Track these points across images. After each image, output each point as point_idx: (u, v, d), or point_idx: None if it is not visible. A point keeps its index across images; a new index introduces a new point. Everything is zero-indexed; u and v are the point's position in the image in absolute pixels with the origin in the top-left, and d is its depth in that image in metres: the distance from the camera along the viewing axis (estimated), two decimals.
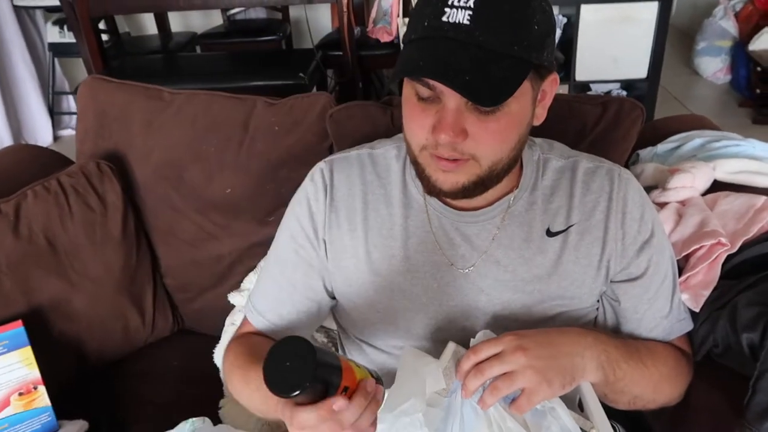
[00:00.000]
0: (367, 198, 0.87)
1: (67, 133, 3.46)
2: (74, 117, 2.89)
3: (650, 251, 0.83)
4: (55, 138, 3.44)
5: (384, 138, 0.95)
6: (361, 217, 0.87)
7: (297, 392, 0.55)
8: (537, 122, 0.78)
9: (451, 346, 0.77)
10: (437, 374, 0.71)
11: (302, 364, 0.56)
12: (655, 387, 0.83)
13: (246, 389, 0.85)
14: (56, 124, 3.47)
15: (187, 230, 1.27)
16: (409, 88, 0.74)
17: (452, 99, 0.69)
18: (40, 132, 3.37)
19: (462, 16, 0.65)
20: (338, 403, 0.59)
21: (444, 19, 0.66)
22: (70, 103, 3.52)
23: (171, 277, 1.32)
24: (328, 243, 0.87)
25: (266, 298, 0.91)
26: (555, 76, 0.76)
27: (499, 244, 0.84)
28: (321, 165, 0.90)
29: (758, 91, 3.49)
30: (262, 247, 1.24)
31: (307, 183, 0.90)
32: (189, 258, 1.29)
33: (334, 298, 0.92)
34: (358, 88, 2.72)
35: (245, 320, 0.94)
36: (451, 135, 0.69)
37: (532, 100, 0.74)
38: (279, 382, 0.56)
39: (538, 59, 0.69)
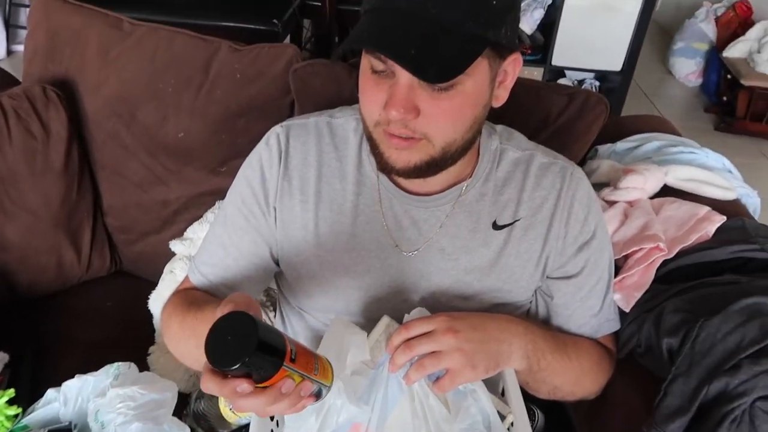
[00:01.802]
0: (322, 170, 0.85)
1: (21, 48, 3.28)
2: None
3: (588, 252, 0.85)
4: (9, 52, 3.26)
5: (346, 105, 0.92)
6: (313, 189, 0.85)
7: (234, 367, 0.55)
8: (497, 104, 0.77)
9: (385, 320, 0.78)
10: (362, 345, 0.72)
11: (244, 341, 0.55)
12: (576, 380, 0.86)
13: (182, 335, 0.83)
14: (11, 38, 3.28)
15: (134, 171, 1.24)
16: (365, 61, 0.71)
17: (404, 74, 0.67)
18: None
19: None
20: (242, 386, 0.56)
21: None
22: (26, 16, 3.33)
23: (112, 216, 1.28)
24: (278, 211, 0.86)
25: (211, 260, 0.89)
26: (517, 56, 0.74)
27: (445, 232, 0.84)
28: (277, 129, 0.87)
29: (725, 98, 3.56)
30: (211, 196, 1.22)
31: (261, 147, 0.87)
32: (134, 199, 1.25)
33: (278, 265, 0.91)
34: (333, 43, 2.65)
35: (187, 278, 0.92)
36: (402, 111, 0.67)
37: (490, 80, 0.72)
38: (218, 353, 0.56)
39: (495, 36, 0.67)
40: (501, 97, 0.77)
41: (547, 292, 0.88)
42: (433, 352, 0.72)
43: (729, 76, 3.48)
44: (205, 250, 0.90)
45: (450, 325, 0.73)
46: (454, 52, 0.65)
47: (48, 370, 1.07)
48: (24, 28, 3.28)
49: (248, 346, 0.54)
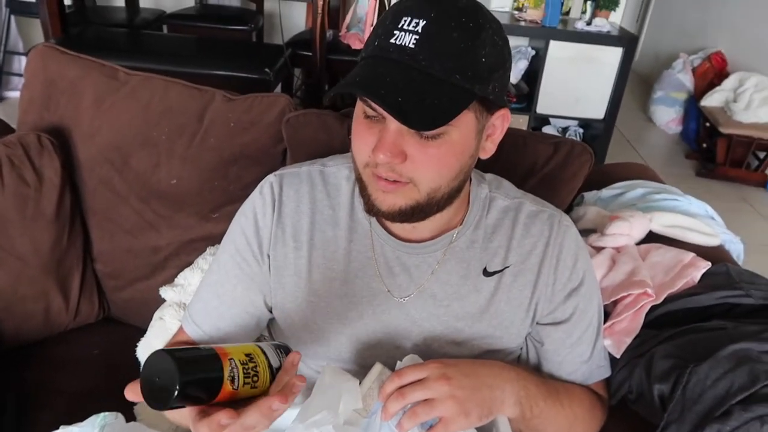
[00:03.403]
0: (315, 217, 0.86)
1: (15, 95, 3.32)
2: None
3: (577, 299, 0.86)
4: (1, 98, 3.29)
5: (338, 153, 0.94)
6: (307, 236, 0.86)
7: (168, 406, 0.58)
8: (484, 156, 0.79)
9: (377, 367, 0.78)
10: (354, 392, 0.72)
11: (168, 379, 0.57)
12: (570, 427, 0.85)
13: None
14: (4, 84, 3.32)
15: (126, 217, 1.24)
16: (359, 106, 0.74)
17: (393, 120, 0.69)
18: None
19: (408, 40, 0.66)
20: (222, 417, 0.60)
21: (391, 40, 0.67)
22: (21, 64, 3.38)
23: (102, 263, 1.27)
24: (272, 258, 0.86)
25: (205, 309, 0.88)
26: (505, 112, 0.77)
27: (437, 278, 0.85)
28: (271, 178, 0.89)
29: (704, 145, 3.66)
30: (202, 242, 1.22)
31: (255, 196, 0.89)
32: (124, 245, 1.25)
33: (272, 312, 0.91)
34: (323, 91, 2.71)
35: (181, 329, 0.92)
36: (389, 156, 0.69)
37: (477, 132, 0.74)
38: (151, 396, 0.59)
39: (482, 91, 0.70)
40: (488, 149, 0.79)
41: (537, 338, 0.89)
42: (426, 400, 0.72)
43: (707, 124, 3.58)
44: (199, 299, 0.90)
45: (442, 372, 0.74)
46: (441, 103, 0.67)
47: (32, 422, 1.04)
48: (17, 75, 3.34)
49: (174, 378, 0.57)
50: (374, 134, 0.71)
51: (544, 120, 3.49)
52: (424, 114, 0.66)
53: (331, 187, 0.88)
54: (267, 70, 2.19)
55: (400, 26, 0.67)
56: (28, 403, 1.08)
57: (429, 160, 0.71)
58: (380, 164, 0.71)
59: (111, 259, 1.27)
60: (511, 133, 1.20)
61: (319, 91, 2.61)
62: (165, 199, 1.22)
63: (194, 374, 0.59)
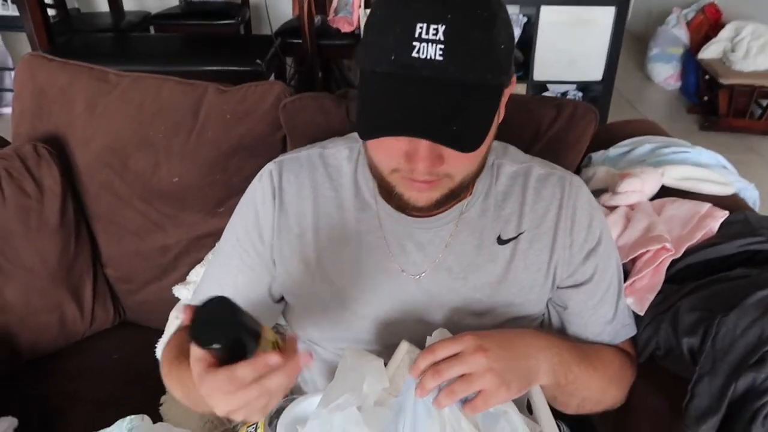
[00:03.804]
0: (318, 201, 0.85)
1: (8, 111, 3.30)
2: None
3: (596, 259, 0.84)
4: None
5: (337, 135, 0.92)
6: (311, 221, 0.84)
7: (216, 345, 0.56)
8: (500, 119, 0.77)
9: (404, 346, 0.75)
10: (380, 371, 0.70)
11: (225, 321, 0.57)
12: (603, 390, 0.84)
13: (172, 384, 0.81)
14: None
15: (131, 219, 1.22)
16: None
17: None
18: None
19: (433, 52, 0.62)
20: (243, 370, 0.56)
21: (414, 54, 0.62)
22: (12, 80, 3.36)
23: (112, 267, 1.26)
24: (276, 248, 0.85)
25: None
26: (513, 78, 0.75)
27: (451, 251, 0.83)
28: (270, 166, 0.87)
29: (705, 98, 3.61)
30: (210, 238, 1.21)
31: (255, 185, 0.87)
32: (132, 248, 1.24)
33: (279, 301, 0.90)
34: (317, 78, 2.68)
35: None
36: (429, 166, 0.67)
37: (499, 112, 0.73)
38: (201, 334, 0.56)
39: (507, 78, 0.69)
40: (502, 115, 0.77)
41: (560, 303, 0.87)
42: (463, 375, 0.69)
43: (707, 77, 3.53)
44: (202, 290, 0.89)
45: (478, 344, 0.70)
46: (481, 112, 0.65)
47: None
48: (9, 90, 3.32)
49: (231, 320, 0.56)
50: (402, 142, 0.68)
51: (542, 87, 3.45)
52: (473, 132, 0.64)
53: (332, 169, 0.86)
54: (258, 61, 2.16)
55: (418, 35, 0.62)
56: (52, 415, 1.08)
57: (467, 158, 0.69)
58: (417, 171, 0.69)
59: (121, 263, 1.26)
60: (512, 99, 1.18)
61: (312, 77, 2.58)
62: (168, 198, 1.21)
63: (243, 332, 0.57)
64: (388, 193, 0.76)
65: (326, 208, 0.84)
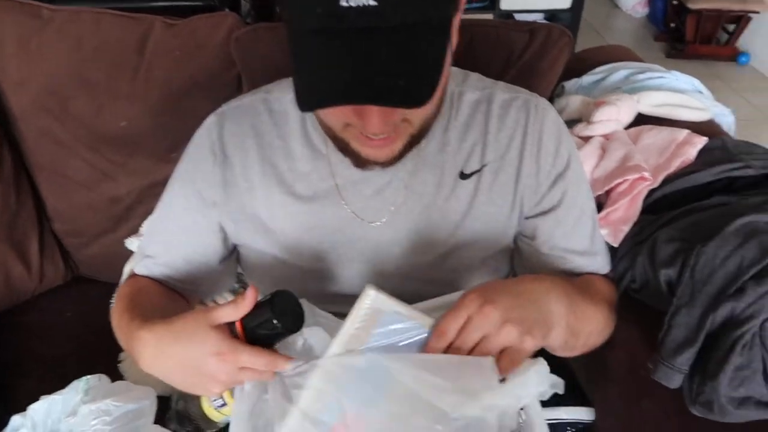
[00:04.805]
0: (264, 152, 0.78)
1: None
2: None
3: (564, 183, 0.79)
4: None
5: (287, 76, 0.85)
6: (258, 173, 0.78)
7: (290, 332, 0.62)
8: (453, 49, 0.70)
9: (370, 293, 0.64)
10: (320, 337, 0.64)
11: (298, 312, 0.63)
12: (606, 321, 0.78)
13: (120, 331, 0.79)
14: None
15: (76, 169, 1.14)
16: None
17: None
18: None
19: None
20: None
21: (343, 3, 0.53)
22: None
23: (60, 221, 1.19)
24: (222, 204, 0.79)
25: (164, 245, 0.83)
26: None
27: (411, 192, 0.78)
28: (210, 119, 0.81)
29: (673, 24, 3.57)
30: (164, 186, 1.13)
31: (196, 139, 0.81)
32: (81, 200, 1.16)
33: (226, 260, 0.86)
34: (275, 14, 2.53)
35: (132, 279, 0.86)
36: (381, 125, 0.61)
37: (451, 41, 0.65)
38: (284, 317, 0.61)
39: (454, 7, 0.60)
40: (455, 43, 0.69)
41: (527, 234, 0.82)
42: (481, 340, 0.59)
43: (675, 2, 3.48)
44: (148, 248, 0.85)
45: (483, 300, 0.60)
46: (430, 55, 0.57)
47: (12, 393, 1.00)
48: None
49: (301, 313, 0.63)
50: None
51: (509, 17, 3.35)
52: (425, 80, 0.56)
53: (277, 115, 0.79)
54: None
55: None
56: (5, 374, 1.03)
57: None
58: (370, 130, 0.63)
59: (69, 216, 1.19)
60: (482, 25, 1.11)
61: (270, 10, 2.43)
62: (116, 144, 1.13)
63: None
64: (343, 149, 0.70)
65: (273, 158, 0.78)
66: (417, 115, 0.66)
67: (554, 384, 0.62)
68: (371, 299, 0.62)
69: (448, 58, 0.64)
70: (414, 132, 0.68)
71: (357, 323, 0.61)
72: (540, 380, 0.60)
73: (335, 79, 0.56)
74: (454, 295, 0.65)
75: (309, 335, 0.65)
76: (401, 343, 0.61)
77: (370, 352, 0.61)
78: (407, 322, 0.62)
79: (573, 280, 0.79)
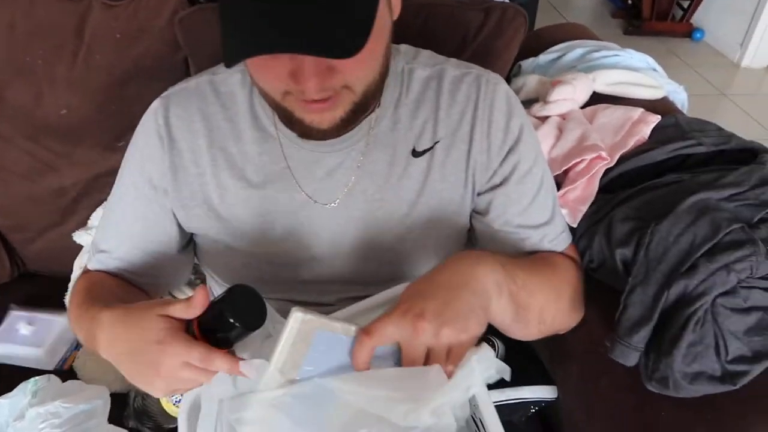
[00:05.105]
0: (212, 135, 0.76)
1: None
2: None
3: (515, 156, 0.77)
4: None
5: None
6: (207, 158, 0.76)
7: (249, 331, 0.58)
8: (395, 15, 0.68)
9: (298, 316, 0.59)
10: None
11: (257, 308, 0.59)
12: (558, 293, 0.76)
13: (78, 325, 0.76)
14: None
15: (16, 160, 1.09)
16: None
17: None
18: None
19: None
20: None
21: None
22: None
23: (2, 216, 1.14)
24: (173, 191, 0.77)
25: (116, 236, 0.81)
26: None
27: (364, 172, 0.76)
28: (156, 103, 0.78)
29: (630, 1, 3.60)
30: (111, 177, 1.06)
31: (141, 125, 0.79)
32: (23, 193, 1.11)
33: (184, 249, 0.84)
34: None
35: (85, 274, 0.83)
36: (318, 82, 0.59)
37: (387, 2, 0.64)
38: (242, 315, 0.57)
39: None
40: (396, 6, 0.68)
41: (481, 210, 0.80)
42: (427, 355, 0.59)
43: None
44: (101, 240, 0.82)
45: (411, 316, 0.58)
46: (361, 6, 0.56)
47: None
48: None
49: (261, 311, 0.58)
50: (284, 61, 0.60)
51: None
52: (354, 30, 0.55)
53: (224, 97, 0.77)
54: None
55: None
56: None
57: (358, 63, 0.60)
58: (307, 91, 0.60)
59: (11, 210, 1.14)
60: (437, 4, 1.09)
61: None
62: (57, 133, 1.08)
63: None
64: (287, 119, 0.68)
65: (222, 141, 0.76)
66: (357, 80, 0.64)
67: (500, 370, 0.61)
68: (299, 322, 0.58)
69: (383, 11, 0.62)
70: (356, 100, 0.66)
71: (288, 347, 0.58)
72: (484, 366, 0.60)
73: (256, 28, 0.55)
74: (397, 289, 0.64)
75: (275, 333, 0.61)
76: (337, 360, 0.60)
77: (311, 376, 0.59)
78: (340, 337, 0.59)
79: (518, 256, 0.77)
